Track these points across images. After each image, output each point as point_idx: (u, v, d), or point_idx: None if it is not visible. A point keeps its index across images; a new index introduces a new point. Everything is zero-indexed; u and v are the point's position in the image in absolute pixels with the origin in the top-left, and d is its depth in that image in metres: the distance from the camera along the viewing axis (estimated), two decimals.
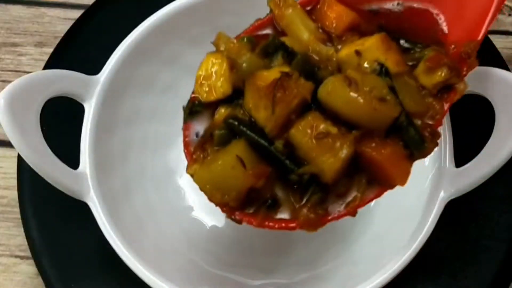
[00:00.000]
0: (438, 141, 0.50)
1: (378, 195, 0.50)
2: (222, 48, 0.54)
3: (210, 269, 0.65)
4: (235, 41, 0.54)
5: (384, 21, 0.56)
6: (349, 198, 0.50)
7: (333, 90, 0.47)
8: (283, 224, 0.49)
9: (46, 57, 0.76)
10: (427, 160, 0.61)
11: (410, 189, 0.63)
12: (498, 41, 0.79)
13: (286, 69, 0.49)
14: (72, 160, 0.58)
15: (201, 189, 0.49)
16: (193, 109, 0.54)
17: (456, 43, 0.52)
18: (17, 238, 0.70)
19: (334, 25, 0.54)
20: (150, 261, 0.59)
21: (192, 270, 0.64)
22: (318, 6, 0.56)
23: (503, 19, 0.86)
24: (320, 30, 0.54)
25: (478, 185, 0.57)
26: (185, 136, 0.53)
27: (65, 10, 0.85)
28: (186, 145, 0.53)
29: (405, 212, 0.62)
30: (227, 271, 0.65)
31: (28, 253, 0.66)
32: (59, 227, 0.66)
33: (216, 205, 0.50)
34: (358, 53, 0.50)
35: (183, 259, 0.65)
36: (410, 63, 0.52)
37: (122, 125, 0.66)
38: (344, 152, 0.47)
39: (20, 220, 0.67)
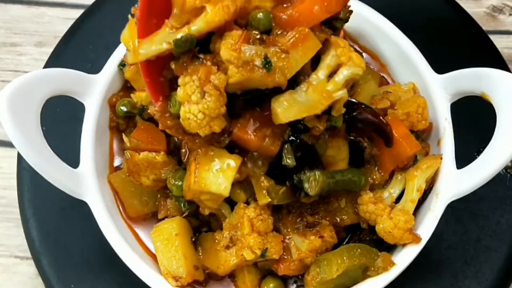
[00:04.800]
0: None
1: None
2: None
3: None
4: None
5: None
6: None
7: None
8: None
9: (46, 57, 0.76)
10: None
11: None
12: (498, 41, 0.79)
13: None
14: (72, 160, 0.58)
15: None
16: None
17: None
18: (17, 238, 0.70)
19: None
20: (150, 260, 0.59)
21: None
22: None
23: (503, 19, 0.85)
24: None
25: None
26: None
27: (65, 10, 0.85)
28: None
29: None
30: None
31: (28, 253, 0.66)
32: (59, 227, 0.66)
33: None
34: None
35: None
36: None
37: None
38: None
39: (20, 220, 0.67)
